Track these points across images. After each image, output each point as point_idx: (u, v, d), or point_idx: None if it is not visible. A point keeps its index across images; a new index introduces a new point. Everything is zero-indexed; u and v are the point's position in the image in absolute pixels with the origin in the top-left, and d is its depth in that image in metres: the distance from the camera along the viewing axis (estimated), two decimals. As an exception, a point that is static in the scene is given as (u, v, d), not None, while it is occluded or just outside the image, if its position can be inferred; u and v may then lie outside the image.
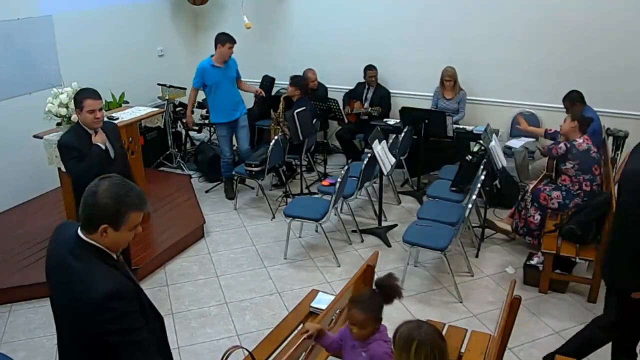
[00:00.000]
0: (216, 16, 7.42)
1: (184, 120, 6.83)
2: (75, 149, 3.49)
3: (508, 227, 4.86)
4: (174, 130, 6.93)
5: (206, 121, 6.86)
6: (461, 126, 5.87)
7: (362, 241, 5.02)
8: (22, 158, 5.28)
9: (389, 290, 2.37)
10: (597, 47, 5.49)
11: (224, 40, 5.44)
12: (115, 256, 1.94)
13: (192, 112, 6.00)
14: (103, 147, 3.57)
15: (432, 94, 6.24)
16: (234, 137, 6.00)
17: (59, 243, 1.96)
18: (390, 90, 6.50)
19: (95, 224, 1.84)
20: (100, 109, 3.54)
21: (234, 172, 5.76)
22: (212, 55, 5.55)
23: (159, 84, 6.70)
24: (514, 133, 6.02)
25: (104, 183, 1.86)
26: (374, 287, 2.45)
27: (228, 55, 5.50)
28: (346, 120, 6.53)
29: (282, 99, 6.15)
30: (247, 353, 2.37)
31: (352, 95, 6.63)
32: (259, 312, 4.04)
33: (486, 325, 3.80)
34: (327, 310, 2.75)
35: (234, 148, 6.07)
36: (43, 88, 4.94)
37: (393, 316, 3.91)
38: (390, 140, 5.33)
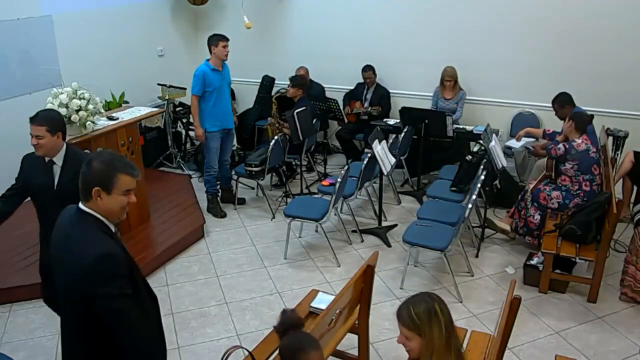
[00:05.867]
0: (216, 16, 7.42)
1: (184, 120, 6.85)
2: None
3: (507, 227, 4.87)
4: (174, 130, 6.93)
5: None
6: (461, 126, 5.86)
7: (362, 241, 5.02)
8: (22, 158, 5.28)
9: (292, 321, 2.25)
10: (597, 47, 5.49)
11: (217, 40, 5.21)
12: (112, 228, 2.07)
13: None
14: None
15: (432, 94, 6.24)
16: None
17: (62, 219, 2.12)
18: (390, 90, 6.50)
19: (89, 188, 1.99)
20: None
21: (233, 172, 5.74)
22: (208, 60, 5.28)
23: (159, 84, 6.70)
24: (514, 133, 6.03)
25: (97, 154, 2.09)
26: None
27: (224, 54, 5.24)
28: (346, 120, 6.53)
29: (274, 99, 6.12)
30: (247, 353, 2.37)
31: (352, 96, 6.64)
32: (259, 312, 4.04)
33: (486, 325, 3.80)
34: (327, 310, 2.74)
35: None
36: (43, 88, 4.94)
37: (393, 316, 3.95)
38: (390, 140, 5.33)
